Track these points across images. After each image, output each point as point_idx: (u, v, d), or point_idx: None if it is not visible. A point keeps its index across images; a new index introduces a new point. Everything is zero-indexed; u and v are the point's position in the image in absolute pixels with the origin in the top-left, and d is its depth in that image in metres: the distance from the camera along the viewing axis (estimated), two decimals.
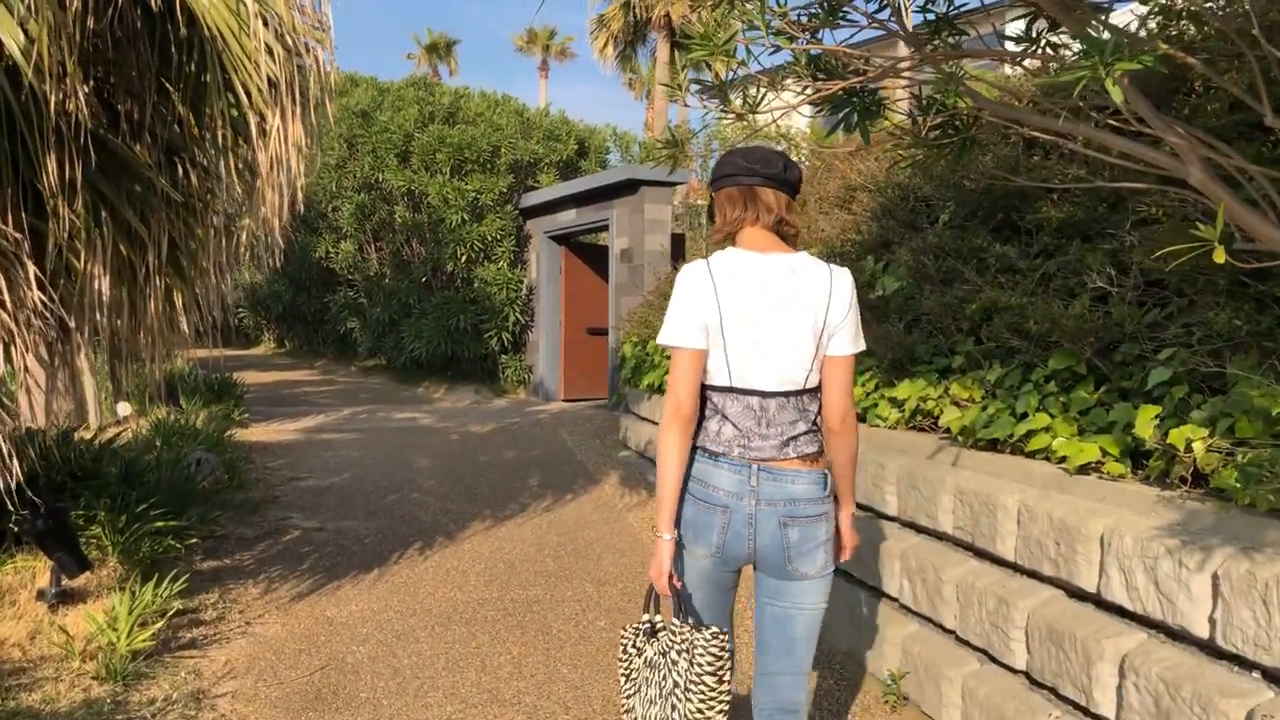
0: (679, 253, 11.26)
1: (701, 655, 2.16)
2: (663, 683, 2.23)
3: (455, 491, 7.20)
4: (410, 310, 13.78)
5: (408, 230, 13.67)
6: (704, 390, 2.29)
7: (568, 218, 12.39)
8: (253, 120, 3.30)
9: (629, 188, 11.05)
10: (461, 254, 13.05)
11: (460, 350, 13.34)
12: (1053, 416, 3.36)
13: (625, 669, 2.35)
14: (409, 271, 13.88)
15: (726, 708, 2.18)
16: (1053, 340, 3.58)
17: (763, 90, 2.69)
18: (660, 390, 8.12)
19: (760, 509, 2.22)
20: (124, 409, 9.14)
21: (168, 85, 3.57)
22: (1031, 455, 3.37)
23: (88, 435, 5.42)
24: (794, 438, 2.25)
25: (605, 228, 11.91)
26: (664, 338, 2.26)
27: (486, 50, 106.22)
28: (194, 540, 5.16)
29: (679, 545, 2.29)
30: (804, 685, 2.38)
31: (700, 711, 2.16)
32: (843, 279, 2.28)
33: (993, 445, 3.60)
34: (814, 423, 2.30)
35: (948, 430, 3.91)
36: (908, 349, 4.42)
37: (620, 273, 11.32)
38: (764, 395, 2.23)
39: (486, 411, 11.91)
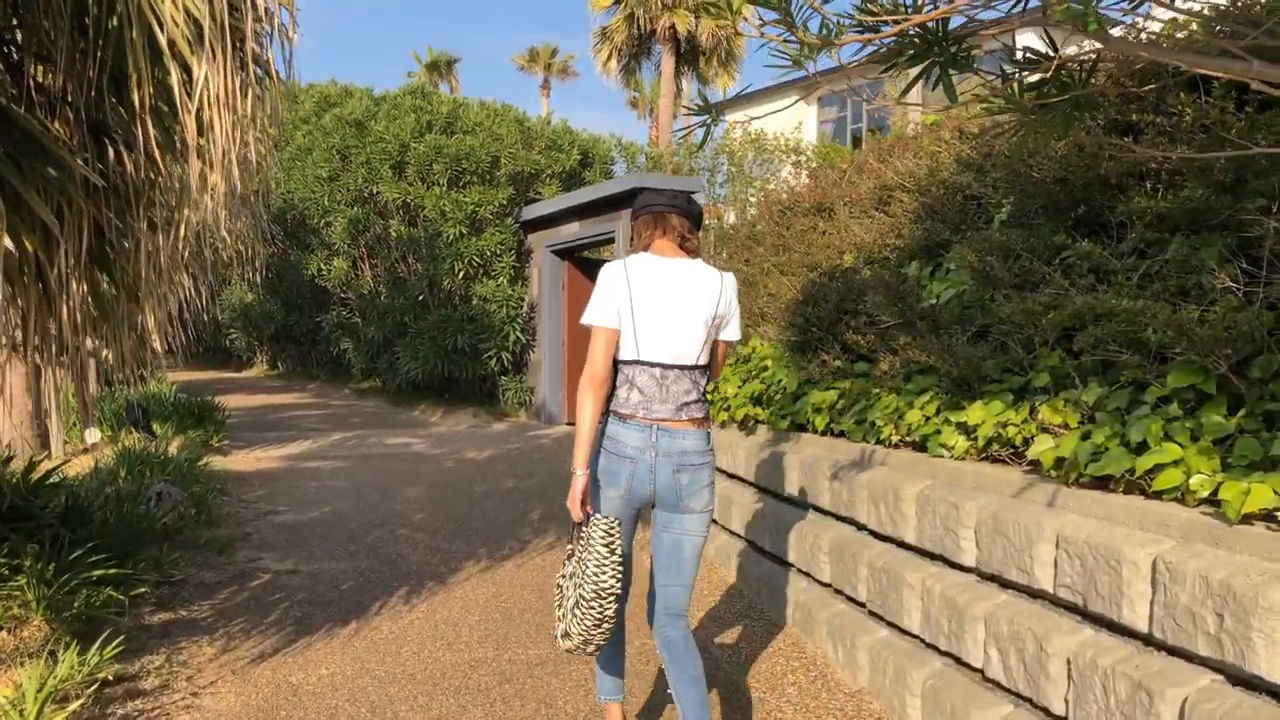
0: None
1: (595, 532, 2.77)
2: (574, 578, 2.86)
3: (448, 527, 6.51)
4: (406, 329, 13.13)
5: (403, 245, 13.04)
6: (616, 365, 2.88)
7: (571, 230, 11.75)
8: (175, 74, 2.63)
9: (636, 196, 10.41)
10: (459, 270, 12.41)
11: (458, 371, 12.68)
12: (1183, 447, 2.68)
13: (558, 600, 2.95)
14: (404, 289, 13.25)
15: (619, 572, 2.78)
16: (1171, 353, 2.91)
17: (839, 21, 2.04)
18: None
19: (659, 460, 2.83)
20: (92, 435, 8.47)
21: (84, 45, 2.92)
22: (1157, 496, 2.69)
23: (22, 466, 4.75)
24: (686, 404, 2.86)
25: (610, 240, 11.27)
26: (586, 318, 2.84)
27: (488, 70, 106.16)
28: (143, 590, 4.47)
29: (595, 488, 2.85)
30: (688, 595, 2.98)
31: (596, 575, 2.76)
32: (729, 280, 2.96)
33: (1101, 482, 2.92)
34: (702, 393, 2.91)
35: (1035, 463, 3.23)
36: (973, 365, 3.74)
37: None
38: (664, 367, 2.83)
39: (485, 436, 11.22)
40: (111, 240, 3.40)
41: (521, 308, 12.61)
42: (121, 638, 3.80)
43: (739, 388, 5.94)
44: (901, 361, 4.41)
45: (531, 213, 12.50)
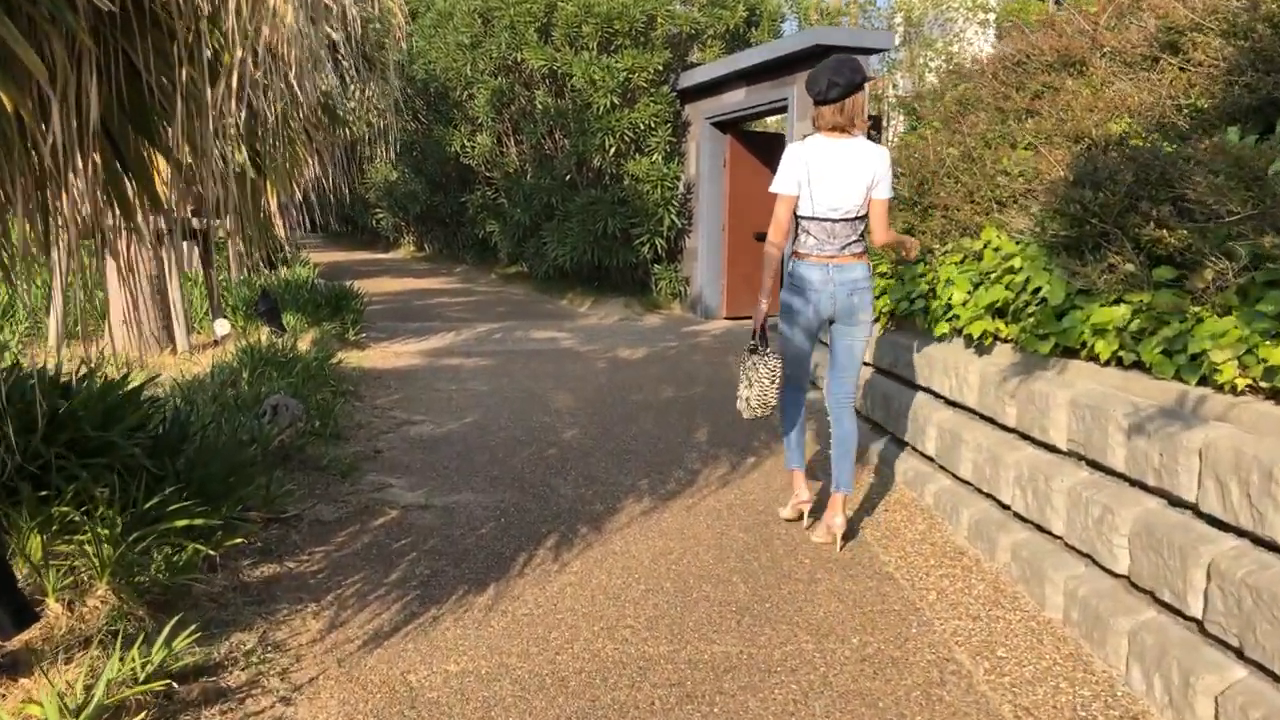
0: (875, 140, 9.15)
1: (762, 369, 3.92)
2: (751, 373, 3.98)
3: (602, 448, 5.56)
4: (553, 212, 12.15)
5: (549, 119, 11.94)
6: (796, 218, 3.87)
7: (735, 99, 10.37)
8: None
9: (815, 58, 8.93)
10: (610, 145, 11.25)
11: (608, 259, 11.66)
12: None
13: (743, 372, 4.03)
14: (551, 167, 12.21)
15: (776, 389, 3.94)
16: None
17: None
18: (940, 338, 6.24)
19: (838, 288, 3.85)
20: (223, 327, 7.89)
21: None
22: None
23: (119, 374, 3.99)
24: (848, 244, 3.86)
25: (782, 109, 9.85)
26: (774, 187, 3.86)
27: None
28: (239, 540, 3.68)
29: (788, 311, 3.98)
30: (855, 382, 4.03)
31: (765, 389, 3.93)
32: (883, 154, 3.81)
33: None
34: (860, 234, 3.88)
35: None
36: None
37: None
38: (831, 221, 3.82)
39: (638, 331, 10.24)
40: (155, 91, 2.41)
41: (677, 188, 11.40)
42: (204, 612, 3.00)
43: (968, 293, 4.66)
44: (1239, 269, 3.07)
45: (690, 79, 11.13)
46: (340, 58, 7.54)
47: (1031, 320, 4.02)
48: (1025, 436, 3.95)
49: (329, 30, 6.85)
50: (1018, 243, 4.40)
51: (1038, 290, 4.05)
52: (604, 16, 11.03)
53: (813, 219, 3.80)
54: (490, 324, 10.51)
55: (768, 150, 10.86)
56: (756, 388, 3.91)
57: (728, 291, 11.06)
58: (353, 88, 7.98)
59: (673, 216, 11.34)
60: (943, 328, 4.86)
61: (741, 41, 11.73)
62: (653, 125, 11.25)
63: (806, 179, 3.74)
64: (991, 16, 17.35)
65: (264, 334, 7.49)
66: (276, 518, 4.12)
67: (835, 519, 3.95)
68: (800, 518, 4.27)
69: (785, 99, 9.54)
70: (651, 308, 11.86)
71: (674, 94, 11.29)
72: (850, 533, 4.10)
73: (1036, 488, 3.63)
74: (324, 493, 4.56)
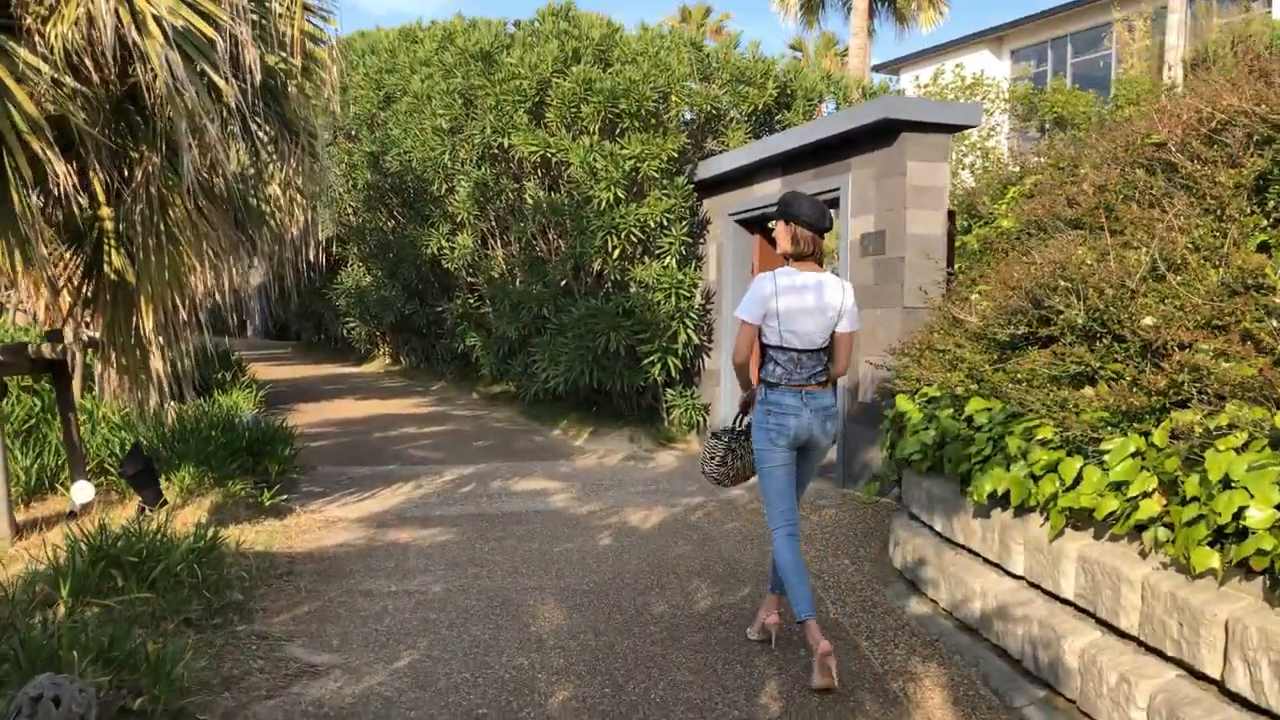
0: (951, 235, 7.17)
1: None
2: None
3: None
4: (545, 324, 10.12)
5: (542, 216, 10.01)
6: (764, 347, 3.99)
7: (768, 191, 8.43)
8: None
9: (879, 136, 7.01)
10: (614, 246, 9.28)
11: (610, 381, 9.57)
12: None
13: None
14: (543, 272, 10.22)
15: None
16: None
17: None
18: (1025, 508, 4.09)
19: (812, 415, 3.98)
20: (83, 493, 5.71)
21: None
22: None
23: None
24: (814, 373, 4.00)
25: (832, 203, 7.89)
26: (739, 312, 3.99)
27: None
28: None
29: (764, 437, 4.03)
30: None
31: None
32: (848, 289, 4.06)
33: None
34: (824, 365, 4.03)
35: None
36: None
37: (860, 271, 7.28)
38: (798, 351, 3.95)
39: (649, 478, 8.06)
40: None
41: (694, 297, 9.39)
42: None
43: (1256, 500, 2.54)
44: None
45: (710, 169, 9.23)
46: (252, 122, 5.58)
47: None
48: None
49: (215, 78, 4.92)
50: None
51: None
52: (607, 95, 9.18)
53: (780, 349, 3.95)
54: (463, 467, 8.34)
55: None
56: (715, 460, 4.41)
57: None
58: (270, 165, 5.98)
59: (689, 331, 9.30)
60: (1206, 558, 2.72)
61: (769, 125, 9.89)
62: (665, 223, 9.30)
63: (775, 313, 3.89)
64: (1036, 108, 15.75)
65: (132, 503, 5.31)
66: None
67: (821, 644, 3.76)
68: (769, 639, 4.25)
69: (836, 190, 7.59)
70: (663, 441, 9.71)
71: (690, 186, 9.37)
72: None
73: None
74: None
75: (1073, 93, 15.39)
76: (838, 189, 7.56)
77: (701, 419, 9.61)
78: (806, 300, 3.88)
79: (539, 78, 9.61)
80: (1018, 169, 11.07)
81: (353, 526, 6.25)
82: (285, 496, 6.62)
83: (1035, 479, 3.94)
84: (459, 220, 11.25)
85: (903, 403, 5.47)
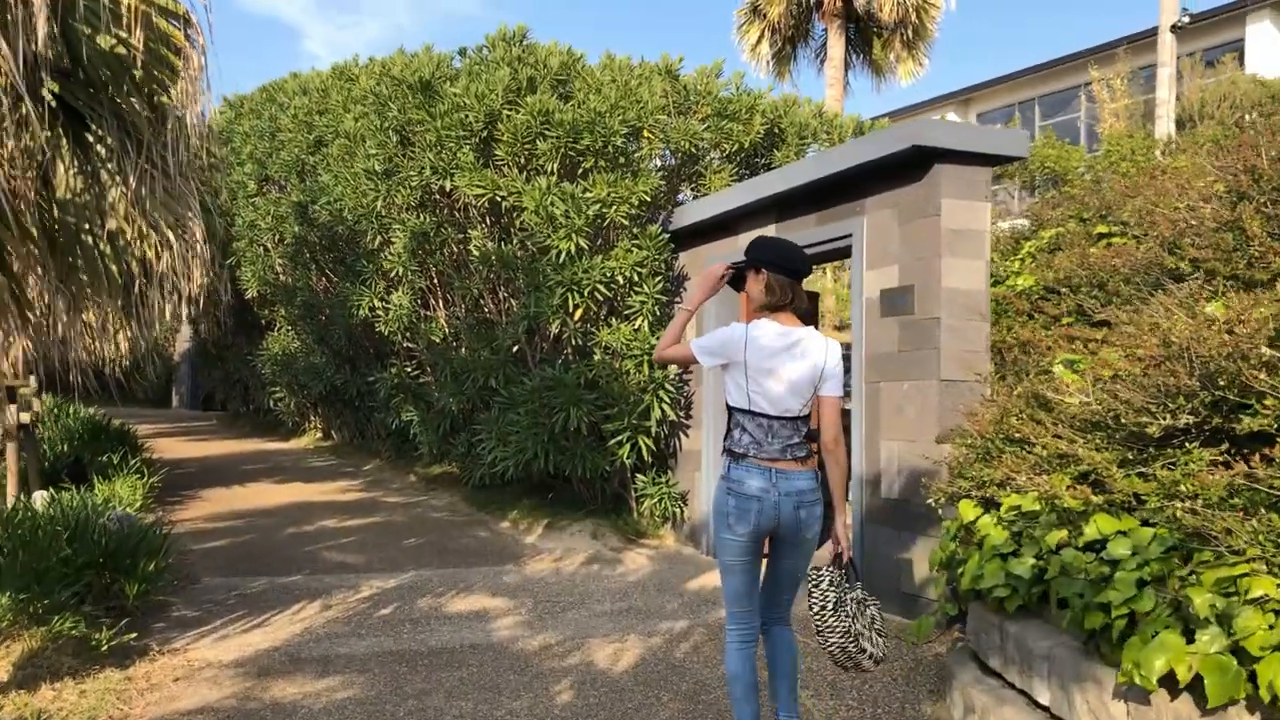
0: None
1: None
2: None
3: None
4: (492, 397, 8.61)
5: (490, 270, 8.57)
6: (730, 410, 3.37)
7: None
8: None
9: (904, 170, 5.70)
10: (575, 306, 7.85)
11: (570, 465, 8.05)
12: None
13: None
14: (491, 337, 8.74)
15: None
16: None
17: None
18: (1229, 704, 2.62)
19: (782, 499, 3.27)
20: None
21: None
22: None
23: None
24: (789, 445, 3.31)
25: (842, 254, 6.55)
26: (697, 342, 3.42)
27: None
28: None
29: (722, 525, 3.36)
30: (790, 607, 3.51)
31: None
32: (835, 347, 3.37)
33: None
34: (804, 437, 3.34)
35: None
36: None
37: (880, 335, 5.90)
38: (769, 418, 3.29)
39: (619, 590, 6.52)
40: None
41: (670, 366, 7.95)
42: None
43: None
44: None
45: (690, 215, 7.88)
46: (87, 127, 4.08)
47: None
48: None
49: None
50: None
51: None
52: (568, 129, 7.82)
53: (749, 414, 3.32)
54: (387, 578, 6.73)
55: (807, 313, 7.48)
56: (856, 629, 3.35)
57: None
58: (110, 186, 4.44)
59: (664, 406, 7.84)
60: None
61: (753, 168, 8.59)
62: (635, 279, 7.90)
63: (743, 366, 3.30)
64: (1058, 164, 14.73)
65: None
66: None
67: None
68: None
69: (846, 238, 6.25)
70: (632, 537, 8.17)
71: (665, 236, 8.00)
72: None
73: None
74: None
75: (1064, 147, 14.43)
76: (848, 236, 6.22)
77: (678, 510, 8.10)
78: (784, 357, 3.30)
79: (487, 109, 8.23)
80: (1025, 223, 9.94)
81: (224, 676, 4.63)
82: (135, 635, 4.96)
83: (1246, 658, 2.51)
84: (395, 277, 9.77)
85: (967, 511, 4.04)
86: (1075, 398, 3.64)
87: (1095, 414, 3.43)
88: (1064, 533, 3.24)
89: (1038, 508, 3.45)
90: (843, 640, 3.30)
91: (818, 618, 3.35)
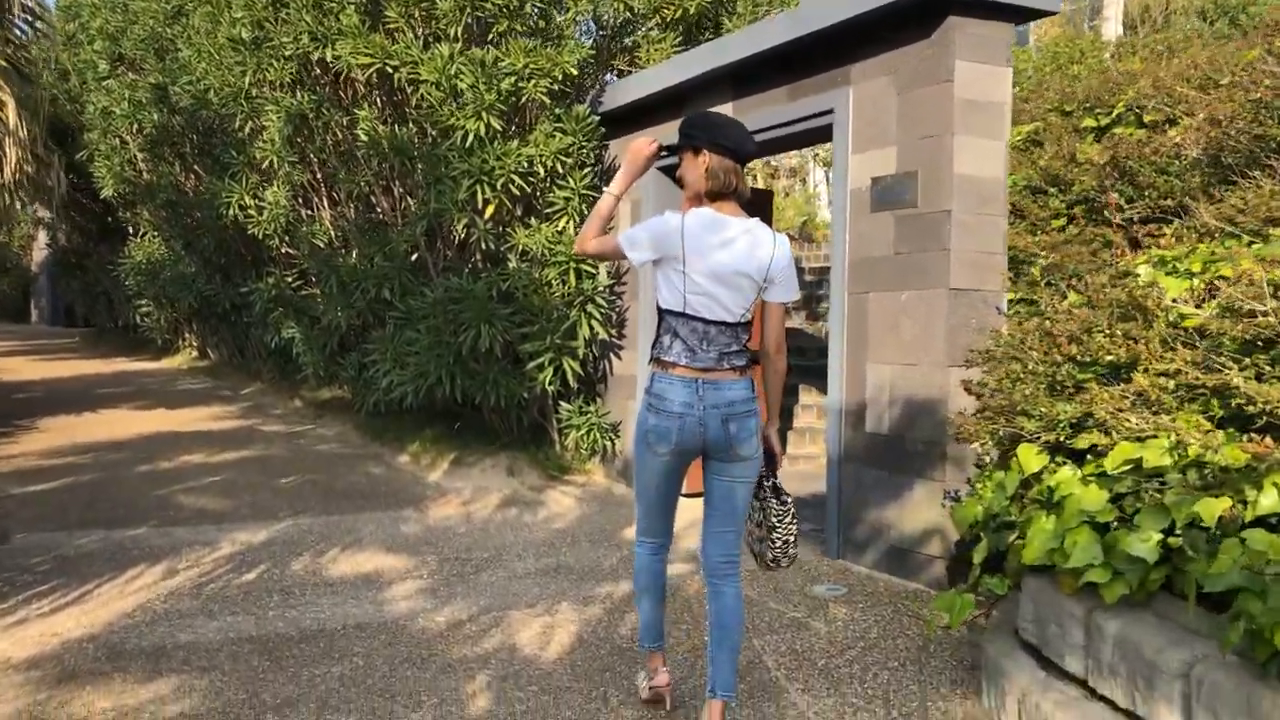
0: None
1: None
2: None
3: None
4: (386, 311, 7.30)
5: (381, 159, 7.18)
6: (661, 313, 2.92)
7: None
8: None
9: (906, 26, 4.55)
10: (486, 202, 6.56)
11: (480, 391, 6.84)
12: None
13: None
14: (384, 240, 7.38)
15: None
16: None
17: None
18: None
19: (707, 412, 2.84)
20: None
21: None
22: None
23: None
24: (726, 354, 2.86)
25: (819, 137, 5.43)
26: (624, 234, 2.88)
27: None
28: None
29: (643, 446, 2.96)
30: (740, 541, 3.04)
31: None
32: (783, 243, 2.87)
33: None
34: (744, 344, 2.90)
35: None
36: None
37: (870, 233, 4.82)
38: (706, 322, 2.84)
39: (543, 541, 5.40)
40: None
41: (599, 275, 6.76)
42: None
43: None
44: None
45: (626, 93, 6.62)
46: None
47: None
48: None
49: None
50: None
51: None
52: None
53: (683, 317, 2.86)
54: (256, 529, 5.48)
55: (754, 214, 6.35)
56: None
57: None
58: None
59: (593, 323, 6.67)
60: None
61: (697, 40, 7.31)
62: (559, 170, 6.63)
63: (681, 264, 2.81)
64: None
65: None
66: None
67: (660, 673, 3.18)
68: (661, 701, 3.22)
69: (826, 115, 5.09)
70: (555, 474, 7.04)
71: (595, 119, 6.72)
72: None
73: None
74: None
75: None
76: (828, 113, 5.07)
77: (609, 443, 6.98)
78: (727, 252, 2.83)
79: None
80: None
81: (5, 684, 3.36)
82: None
83: None
84: (269, 170, 8.26)
85: (1030, 458, 3.03)
86: (1202, 309, 2.62)
87: (1259, 329, 2.40)
88: (1224, 502, 2.22)
89: (1167, 462, 2.43)
90: (753, 525, 3.12)
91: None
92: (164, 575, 4.63)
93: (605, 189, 3.00)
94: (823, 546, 5.09)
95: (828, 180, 17.99)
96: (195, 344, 13.89)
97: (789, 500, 3.10)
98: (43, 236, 19.36)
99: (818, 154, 17.11)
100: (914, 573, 4.51)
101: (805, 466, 7.82)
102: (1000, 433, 3.19)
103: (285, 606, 4.26)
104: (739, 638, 3.01)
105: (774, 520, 3.06)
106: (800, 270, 12.91)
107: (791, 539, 3.07)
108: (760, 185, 14.98)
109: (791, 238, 13.09)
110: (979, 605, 3.32)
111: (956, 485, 4.36)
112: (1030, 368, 3.29)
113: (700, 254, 2.80)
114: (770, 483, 3.10)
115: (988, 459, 3.72)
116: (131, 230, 13.35)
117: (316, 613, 4.18)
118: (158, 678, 3.46)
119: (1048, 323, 3.41)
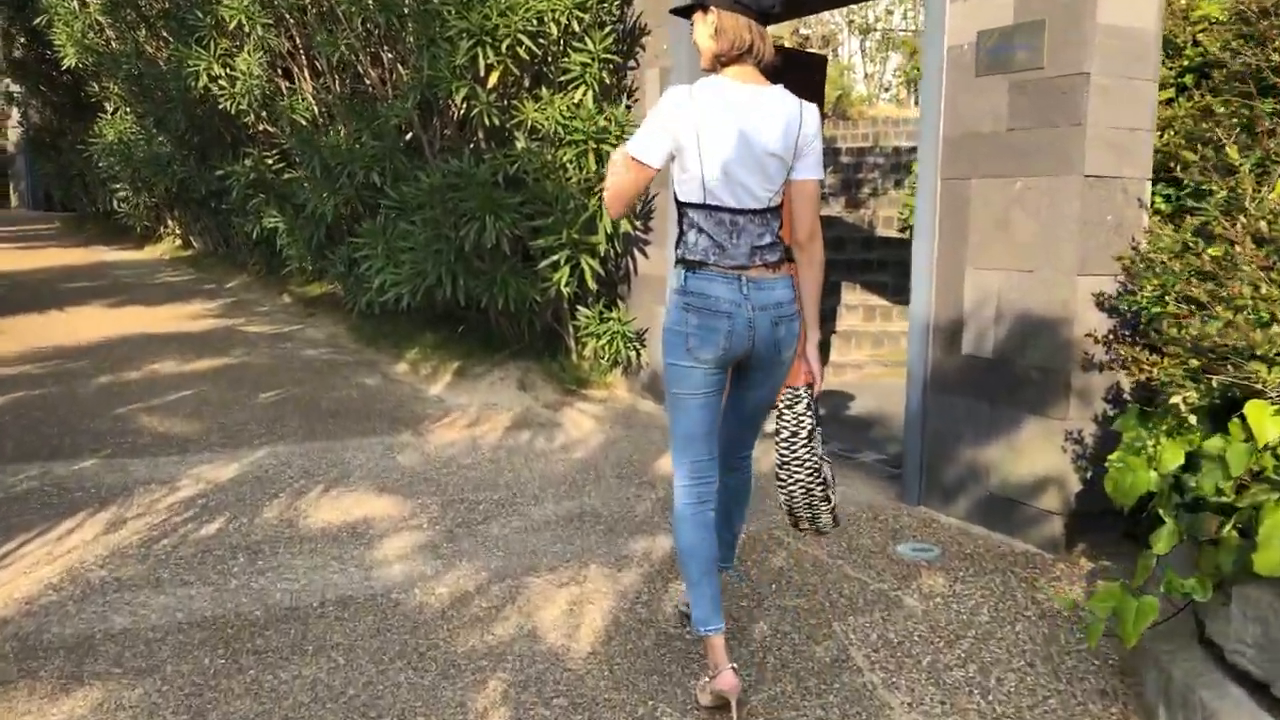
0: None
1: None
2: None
3: None
4: (377, 199, 6.33)
5: (367, 22, 6.09)
6: (680, 206, 2.54)
7: None
8: None
9: None
10: (489, 68, 5.52)
11: (486, 292, 5.94)
12: None
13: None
14: (372, 115, 6.36)
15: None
16: None
17: None
18: None
19: (757, 314, 2.50)
20: None
21: None
22: None
23: None
24: (759, 248, 2.50)
25: None
26: (630, 145, 2.45)
27: None
28: None
29: (679, 349, 2.54)
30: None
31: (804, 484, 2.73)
32: (811, 112, 2.50)
33: None
34: (776, 234, 2.54)
35: None
36: None
37: (975, 102, 3.82)
38: (734, 212, 2.47)
39: (562, 476, 4.58)
40: None
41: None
42: None
43: None
44: None
45: None
46: None
47: None
48: None
49: None
50: None
51: None
52: None
53: (705, 209, 2.47)
54: (227, 461, 4.67)
55: (803, 84, 5.30)
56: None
57: None
58: None
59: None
60: None
61: None
62: (574, 29, 5.56)
63: (695, 147, 2.40)
64: None
65: None
66: None
67: (725, 672, 2.49)
68: (726, 708, 2.52)
69: None
70: (572, 387, 6.20)
71: None
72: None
73: None
74: None
75: None
76: None
77: (634, 353, 6.11)
78: (746, 124, 2.40)
79: None
80: None
81: None
82: None
83: None
84: (238, 33, 7.15)
85: (1264, 422, 2.14)
86: None
87: None
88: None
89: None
90: (810, 480, 2.67)
91: (786, 445, 2.67)
92: (107, 527, 3.83)
93: (624, 144, 2.51)
94: (899, 489, 4.27)
95: (863, 51, 16.60)
96: (179, 232, 12.91)
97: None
98: (16, 115, 18.14)
99: (852, 19, 15.70)
100: (1021, 529, 3.69)
101: (851, 377, 6.97)
102: (1211, 381, 2.30)
103: (252, 572, 3.46)
104: (746, 509, 2.99)
105: (829, 472, 2.72)
106: (836, 150, 11.80)
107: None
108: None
109: (825, 115, 11.96)
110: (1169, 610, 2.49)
111: (1080, 425, 3.51)
112: (1241, 289, 2.38)
113: (716, 132, 2.42)
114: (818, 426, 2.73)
115: (1129, 400, 2.85)
116: (106, 107, 12.23)
117: (290, 581, 3.39)
118: (75, 688, 2.68)
119: (1263, 224, 2.48)
